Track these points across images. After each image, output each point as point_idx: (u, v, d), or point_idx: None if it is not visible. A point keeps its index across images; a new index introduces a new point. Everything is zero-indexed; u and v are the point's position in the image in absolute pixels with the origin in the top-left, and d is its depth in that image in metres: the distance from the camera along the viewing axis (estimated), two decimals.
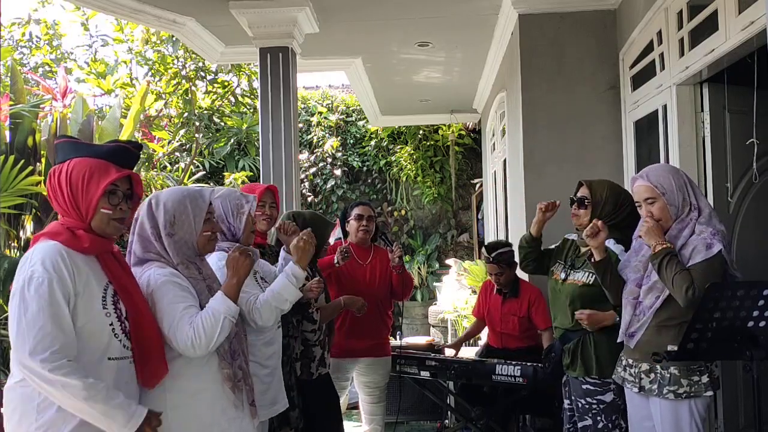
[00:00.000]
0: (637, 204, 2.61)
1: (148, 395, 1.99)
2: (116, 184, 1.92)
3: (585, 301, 2.90)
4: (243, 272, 2.15)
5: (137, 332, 1.92)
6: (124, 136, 6.27)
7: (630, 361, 2.62)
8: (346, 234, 3.93)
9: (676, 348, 2.30)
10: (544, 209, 3.05)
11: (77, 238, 1.86)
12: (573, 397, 2.96)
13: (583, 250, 3.00)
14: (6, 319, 4.39)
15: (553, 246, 3.24)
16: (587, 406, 2.87)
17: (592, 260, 2.73)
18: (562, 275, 3.01)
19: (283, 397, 2.67)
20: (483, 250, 4.13)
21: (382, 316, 3.85)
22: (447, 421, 4.70)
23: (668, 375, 2.46)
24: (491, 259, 3.95)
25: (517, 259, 3.36)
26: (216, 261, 2.43)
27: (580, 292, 2.91)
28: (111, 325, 1.86)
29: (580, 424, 2.91)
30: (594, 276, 2.83)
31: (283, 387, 2.69)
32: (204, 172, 9.32)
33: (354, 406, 5.34)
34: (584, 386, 2.88)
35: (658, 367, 2.49)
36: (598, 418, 2.84)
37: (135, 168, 2.05)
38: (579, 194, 2.99)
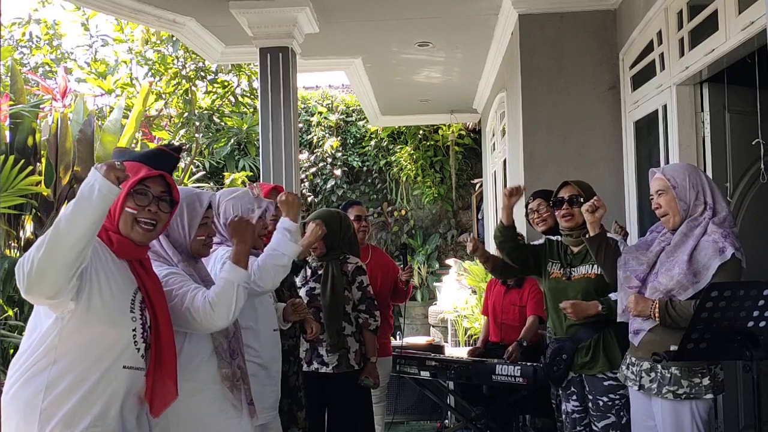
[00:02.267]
0: (650, 197, 2.63)
1: None
2: (147, 185, 1.88)
3: (599, 292, 2.90)
4: (248, 237, 2.14)
5: (156, 344, 1.86)
6: (125, 137, 6.27)
7: (633, 359, 2.62)
8: None
9: (676, 348, 2.30)
10: (509, 194, 3.01)
11: (109, 239, 1.85)
12: (590, 397, 2.90)
13: (576, 249, 3.00)
14: (6, 319, 4.40)
15: (536, 243, 3.23)
16: (609, 403, 2.84)
17: (587, 236, 2.75)
18: (562, 272, 3.00)
19: (276, 407, 2.64)
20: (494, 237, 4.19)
21: (384, 316, 3.84)
22: (447, 421, 4.70)
23: (669, 375, 2.45)
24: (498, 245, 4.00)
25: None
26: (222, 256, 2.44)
27: (597, 281, 2.89)
28: (134, 330, 1.81)
29: (600, 423, 2.86)
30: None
31: (279, 396, 2.66)
32: (204, 172, 9.31)
33: None
34: (606, 383, 2.85)
35: (659, 366, 2.48)
36: (622, 413, 2.82)
37: (175, 170, 2.02)
38: (566, 194, 2.98)
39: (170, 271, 2.07)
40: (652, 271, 2.56)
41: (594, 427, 2.92)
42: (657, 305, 2.44)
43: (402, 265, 3.95)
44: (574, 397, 3.00)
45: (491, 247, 4.14)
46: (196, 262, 2.23)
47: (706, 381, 2.43)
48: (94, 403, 1.75)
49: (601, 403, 2.87)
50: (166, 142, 8.08)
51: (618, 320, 2.69)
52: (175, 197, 1.96)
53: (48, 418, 1.71)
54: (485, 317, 4.46)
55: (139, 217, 1.87)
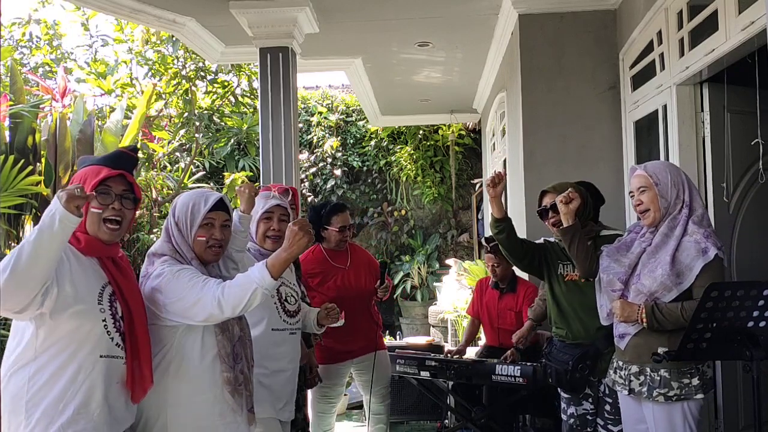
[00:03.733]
0: (630, 194, 2.62)
1: (148, 393, 2.00)
2: (108, 185, 1.95)
3: None
4: (296, 249, 2.00)
5: (131, 333, 1.94)
6: (127, 138, 6.28)
7: (620, 363, 2.60)
8: (320, 238, 3.70)
9: (666, 349, 2.30)
10: (492, 184, 2.85)
11: (76, 238, 1.91)
12: (609, 401, 2.86)
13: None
14: (6, 319, 4.40)
15: (537, 242, 3.17)
16: None
17: (560, 227, 2.75)
18: (579, 274, 2.89)
19: (288, 408, 2.64)
20: (483, 240, 4.15)
21: (371, 314, 3.80)
22: (447, 421, 4.69)
23: (658, 377, 2.44)
24: (489, 249, 3.97)
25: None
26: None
27: None
28: (104, 321, 1.88)
29: (617, 428, 2.83)
30: None
31: (290, 398, 2.66)
32: (204, 172, 9.31)
33: (354, 406, 5.34)
34: None
35: (648, 369, 2.47)
36: None
37: (135, 170, 2.07)
38: (549, 201, 2.96)
39: (182, 268, 2.08)
40: (633, 273, 2.55)
41: (603, 431, 2.89)
42: (644, 310, 2.43)
43: (379, 283, 3.67)
44: (590, 399, 2.95)
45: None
46: (206, 266, 2.22)
47: (695, 381, 2.42)
48: (77, 392, 1.83)
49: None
50: (165, 142, 8.08)
51: (603, 324, 2.68)
52: (137, 195, 2.03)
53: (33, 408, 1.80)
54: (471, 318, 4.45)
55: (105, 216, 1.94)
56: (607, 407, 2.89)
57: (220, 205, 2.22)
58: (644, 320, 2.43)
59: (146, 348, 1.98)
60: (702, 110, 3.51)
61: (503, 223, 2.95)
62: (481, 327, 4.43)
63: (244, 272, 2.03)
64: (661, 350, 2.32)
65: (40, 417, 1.79)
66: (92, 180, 1.92)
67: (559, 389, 3.11)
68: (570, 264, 2.98)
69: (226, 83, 8.25)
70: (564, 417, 3.07)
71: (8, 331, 4.35)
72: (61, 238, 1.70)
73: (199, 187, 7.74)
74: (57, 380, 1.82)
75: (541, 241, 3.18)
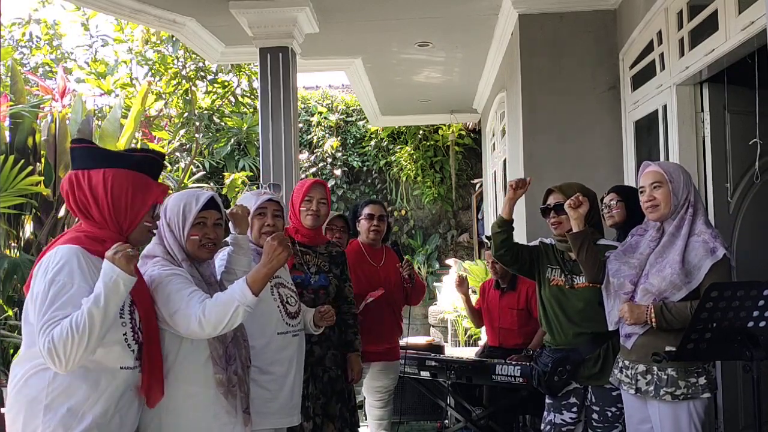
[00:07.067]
0: (641, 189, 2.60)
1: None
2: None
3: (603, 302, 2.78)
4: (276, 263, 2.04)
5: (149, 342, 1.94)
6: (124, 137, 6.27)
7: (626, 362, 2.60)
8: (356, 234, 3.76)
9: (674, 348, 2.30)
10: (515, 186, 2.87)
11: (101, 243, 1.90)
12: (596, 408, 2.85)
13: (573, 256, 2.88)
14: (6, 319, 4.40)
15: (531, 244, 3.14)
16: (618, 413, 2.79)
17: (569, 231, 2.73)
18: (565, 280, 2.92)
19: (295, 412, 2.60)
20: (484, 238, 4.12)
21: (396, 320, 3.75)
22: (447, 421, 4.69)
23: (665, 377, 2.44)
24: (489, 246, 3.94)
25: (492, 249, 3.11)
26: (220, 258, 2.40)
27: (600, 291, 2.77)
28: (125, 335, 1.87)
29: None
30: None
31: (298, 400, 2.62)
32: (204, 172, 9.31)
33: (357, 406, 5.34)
34: (615, 393, 2.78)
35: (655, 368, 2.47)
36: (625, 423, 2.77)
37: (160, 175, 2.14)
38: (553, 201, 2.94)
39: (173, 272, 2.08)
40: (640, 273, 2.55)
41: None
42: (652, 310, 2.44)
43: (399, 264, 3.66)
44: (574, 409, 2.93)
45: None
46: (200, 264, 2.22)
47: (702, 380, 2.43)
48: (96, 401, 1.82)
49: (609, 414, 2.82)
50: (165, 142, 8.08)
51: (611, 329, 2.67)
52: (159, 202, 2.08)
53: (51, 413, 1.78)
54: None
55: (151, 229, 2.04)
56: (595, 416, 2.87)
57: (212, 204, 2.21)
58: (654, 320, 2.44)
59: (159, 355, 1.99)
60: (702, 110, 3.51)
61: (506, 226, 2.96)
62: (483, 327, 4.42)
63: (216, 284, 2.06)
64: (668, 348, 2.32)
65: (58, 424, 1.77)
66: (149, 196, 1.98)
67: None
68: (558, 268, 2.96)
69: (226, 83, 8.26)
70: (548, 428, 3.00)
71: (9, 331, 4.36)
72: (124, 296, 1.82)
73: (199, 187, 7.75)
74: (77, 388, 1.80)
75: (536, 242, 3.14)
